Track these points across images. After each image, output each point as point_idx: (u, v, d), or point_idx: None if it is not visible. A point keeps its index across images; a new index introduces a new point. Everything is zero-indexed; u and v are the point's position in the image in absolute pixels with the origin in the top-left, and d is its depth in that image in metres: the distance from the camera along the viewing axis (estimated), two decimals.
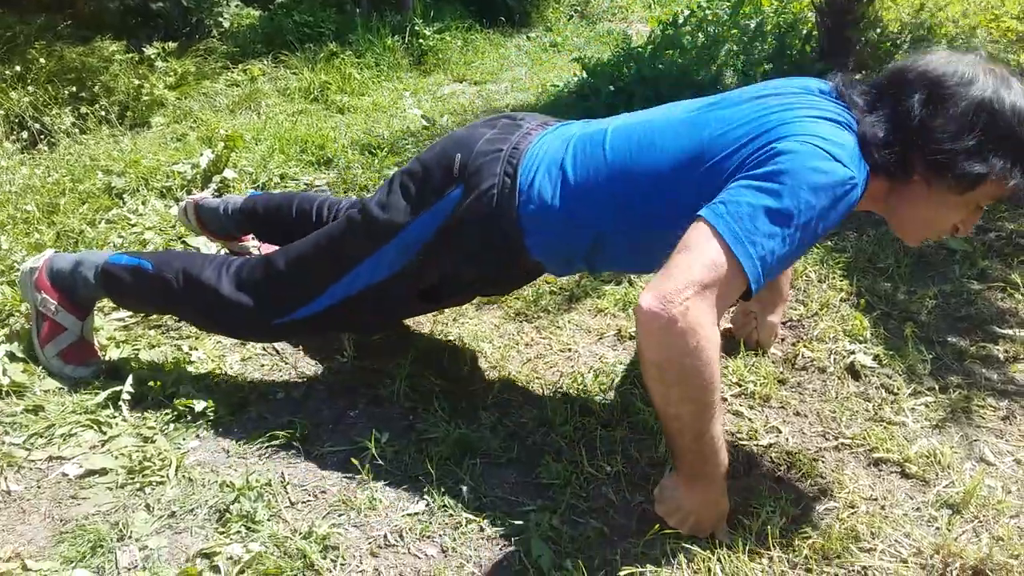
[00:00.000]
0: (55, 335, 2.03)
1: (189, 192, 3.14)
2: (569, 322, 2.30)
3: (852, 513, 1.57)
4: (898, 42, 4.25)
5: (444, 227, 1.71)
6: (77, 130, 3.80)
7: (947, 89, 1.41)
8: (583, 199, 1.62)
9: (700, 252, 1.33)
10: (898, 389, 1.96)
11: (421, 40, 5.71)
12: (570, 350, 2.17)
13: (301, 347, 2.19)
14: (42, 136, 3.69)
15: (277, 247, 2.56)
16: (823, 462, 1.73)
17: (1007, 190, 1.43)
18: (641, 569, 1.44)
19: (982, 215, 1.59)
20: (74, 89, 3.96)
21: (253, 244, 2.60)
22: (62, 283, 2.02)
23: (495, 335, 2.23)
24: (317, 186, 3.35)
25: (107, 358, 2.10)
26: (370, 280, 1.79)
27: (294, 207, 2.30)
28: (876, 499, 1.62)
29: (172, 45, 4.83)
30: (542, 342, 2.20)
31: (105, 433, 1.83)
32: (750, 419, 1.87)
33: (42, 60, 3.95)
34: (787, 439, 1.81)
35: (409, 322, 2.29)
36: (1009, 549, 1.47)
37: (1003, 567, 1.43)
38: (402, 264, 1.76)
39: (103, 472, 1.72)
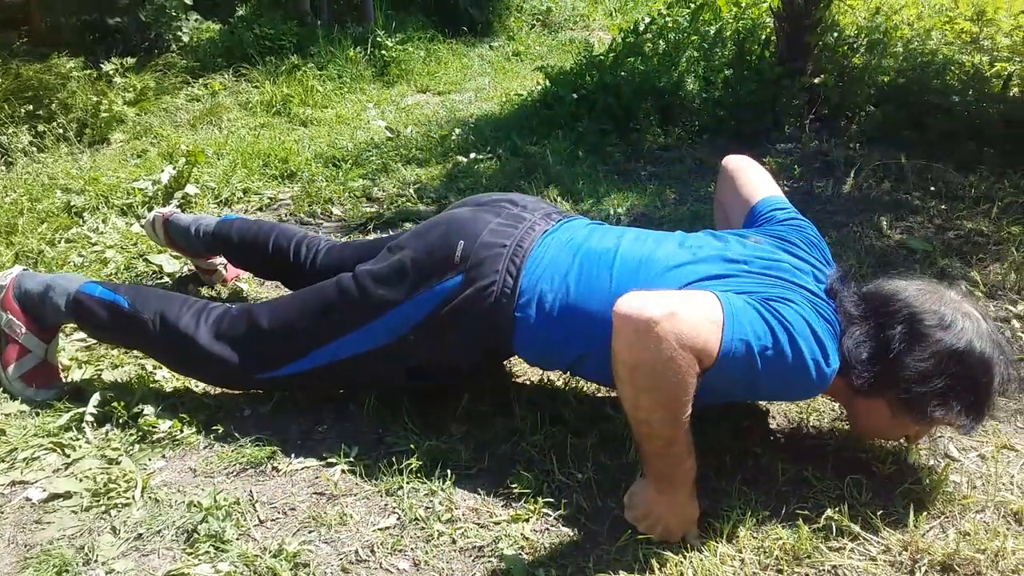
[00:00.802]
0: (19, 357, 1.99)
1: (151, 209, 3.09)
2: None
3: (821, 512, 1.58)
4: (855, 45, 4.31)
5: (437, 312, 1.71)
6: (35, 148, 3.74)
7: (925, 328, 1.51)
8: (581, 318, 1.62)
9: (698, 295, 1.44)
10: None
11: (384, 51, 5.69)
12: None
13: None
14: None
15: (245, 270, 2.57)
16: (791, 463, 1.74)
17: (958, 425, 1.54)
18: (614, 574, 1.44)
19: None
20: (31, 107, 3.89)
21: (220, 262, 2.57)
22: (30, 306, 1.98)
23: None
24: (281, 200, 3.33)
25: (70, 379, 2.06)
26: (355, 351, 1.79)
27: (271, 242, 2.27)
28: (844, 498, 1.63)
29: (131, 60, 4.76)
30: None
31: (69, 456, 1.80)
32: (718, 420, 1.88)
33: (0, 79, 3.89)
34: (755, 441, 1.82)
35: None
36: (976, 544, 1.49)
37: (970, 561, 1.45)
38: (390, 340, 1.76)
39: (67, 496, 1.69)
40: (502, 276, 1.67)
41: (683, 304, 1.36)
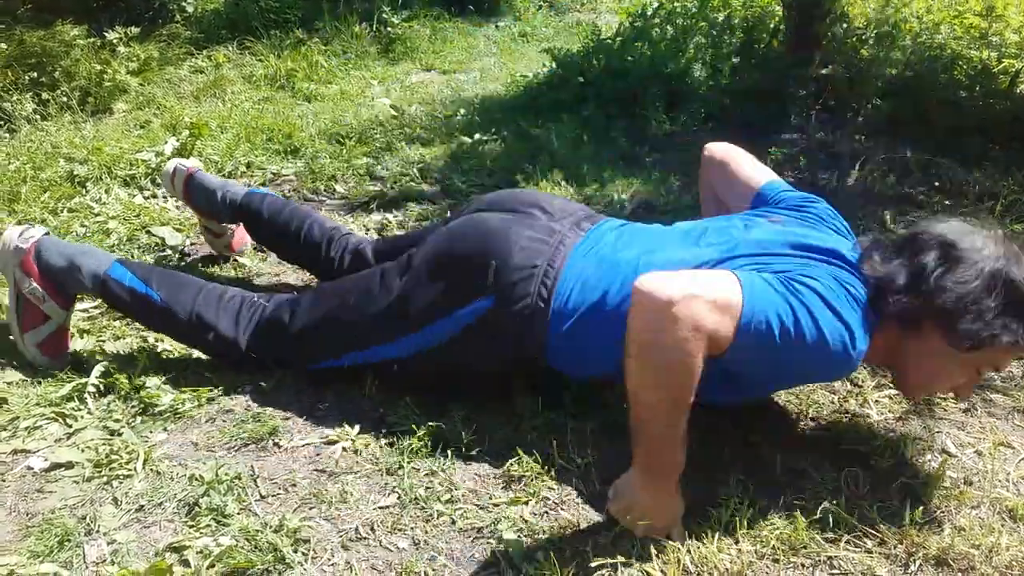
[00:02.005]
0: (37, 324, 1.98)
1: (154, 181, 3.09)
2: None
3: (818, 504, 1.59)
4: (864, 37, 4.30)
5: (468, 329, 1.75)
6: (38, 116, 3.72)
7: (960, 251, 1.51)
8: (612, 328, 1.57)
9: (717, 275, 1.45)
10: (863, 382, 2.00)
11: (389, 28, 5.66)
12: None
13: None
14: (1, 123, 3.61)
15: (267, 247, 2.57)
16: (790, 455, 1.75)
17: (1010, 356, 1.54)
18: (612, 560, 1.44)
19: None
20: (35, 75, 3.87)
21: (230, 227, 2.55)
22: (53, 277, 1.98)
23: None
24: (284, 175, 3.32)
25: (72, 349, 2.06)
26: (389, 356, 1.85)
27: (303, 234, 2.28)
28: (841, 490, 1.65)
29: (135, 30, 4.73)
30: None
31: (71, 426, 1.81)
32: (719, 412, 1.89)
33: (3, 45, 3.86)
34: (755, 432, 1.83)
35: None
36: (971, 539, 1.50)
37: (965, 556, 1.46)
38: (425, 350, 1.80)
39: (69, 466, 1.70)
40: (534, 299, 1.70)
41: (703, 285, 1.37)
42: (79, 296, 2.11)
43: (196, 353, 2.08)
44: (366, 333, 1.85)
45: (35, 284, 1.96)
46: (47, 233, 2.05)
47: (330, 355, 1.90)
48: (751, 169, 1.96)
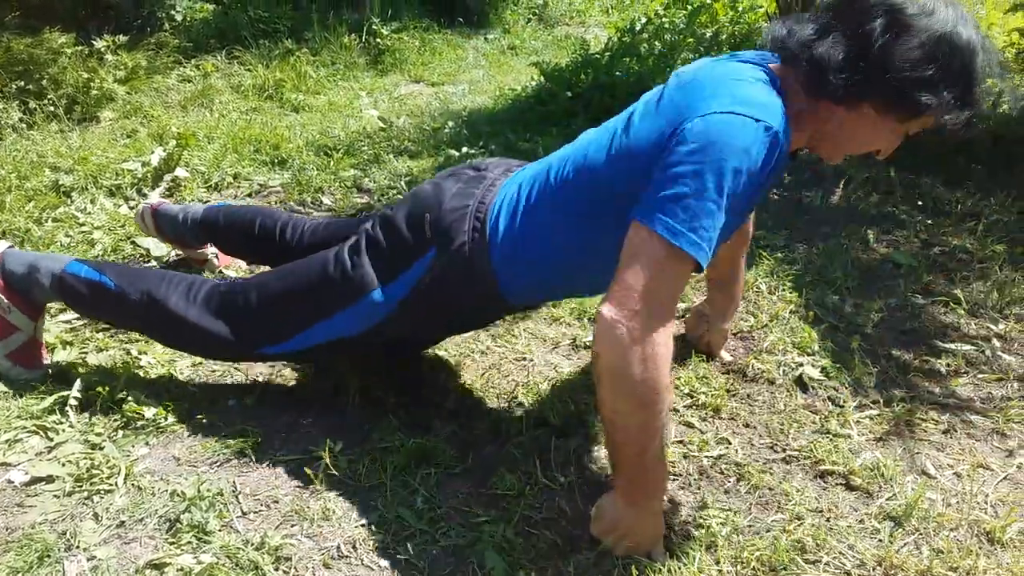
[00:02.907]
0: (6, 335, 1.98)
1: (140, 191, 3.09)
2: (524, 331, 2.31)
3: (798, 525, 1.60)
4: None
5: (420, 287, 1.72)
6: (24, 125, 3.71)
7: (908, 17, 1.41)
8: (541, 227, 1.64)
9: (645, 255, 1.36)
10: (844, 402, 2.01)
11: (378, 39, 5.68)
12: (525, 359, 2.18)
13: None
14: None
15: (237, 258, 2.57)
16: (771, 474, 1.76)
17: (941, 123, 1.44)
18: None
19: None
20: (22, 83, 3.85)
21: (212, 251, 2.56)
22: (16, 284, 1.97)
23: (450, 343, 2.23)
24: (271, 187, 3.32)
25: (54, 361, 2.05)
26: (344, 332, 1.80)
27: (256, 224, 2.27)
28: (822, 511, 1.66)
29: (123, 38, 4.71)
30: (497, 351, 2.21)
31: (51, 439, 1.80)
32: (700, 430, 1.90)
33: None
34: (736, 450, 1.84)
35: None
36: (949, 561, 1.51)
37: None
38: (377, 319, 1.77)
39: (50, 479, 1.69)
40: (469, 234, 1.69)
41: (648, 283, 1.34)
42: (48, 305, 2.10)
43: (179, 366, 2.08)
44: (319, 305, 1.81)
45: (1, 297, 1.96)
46: (11, 246, 2.06)
47: (283, 332, 1.84)
48: None
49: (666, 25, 4.69)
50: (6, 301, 1.96)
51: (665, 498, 1.61)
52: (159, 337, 2.01)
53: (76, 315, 2.24)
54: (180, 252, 2.62)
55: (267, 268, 2.51)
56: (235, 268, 2.60)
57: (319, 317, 1.80)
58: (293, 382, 2.05)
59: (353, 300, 1.77)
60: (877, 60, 1.41)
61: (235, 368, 2.09)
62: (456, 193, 1.75)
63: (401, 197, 1.92)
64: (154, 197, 2.55)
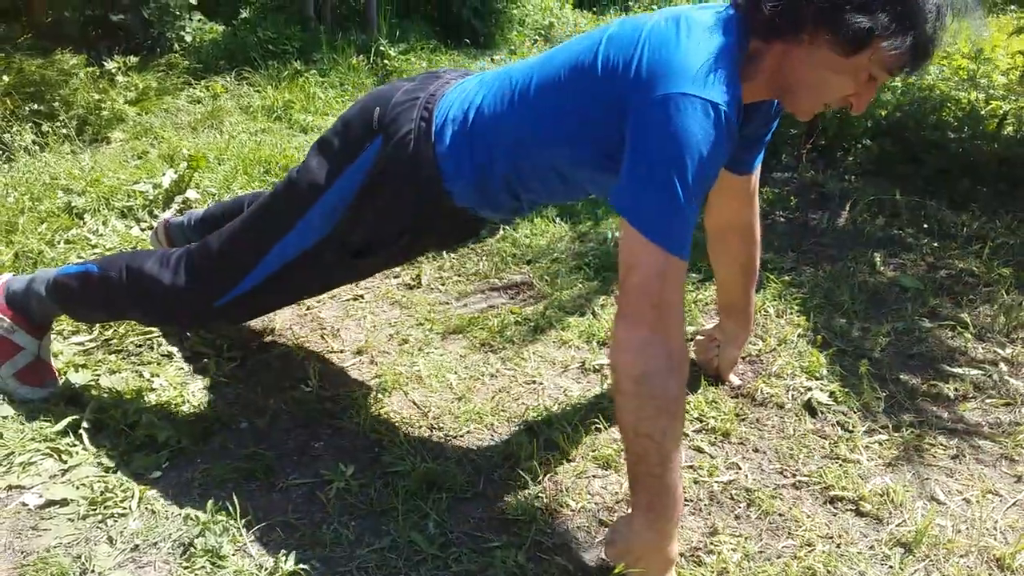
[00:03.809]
0: (11, 355, 2.00)
1: (151, 213, 3.11)
2: (534, 354, 2.32)
3: (809, 551, 1.61)
4: None
5: (367, 182, 1.72)
6: (37, 147, 3.74)
7: None
8: (492, 127, 1.65)
9: (642, 264, 1.39)
10: (853, 427, 2.02)
11: (386, 60, 5.73)
12: (535, 382, 2.19)
13: (264, 376, 2.18)
14: (0, 152, 3.63)
15: None
16: (781, 499, 1.77)
17: (887, 50, 1.39)
18: None
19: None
20: (34, 105, 3.89)
21: None
22: (17, 303, 2.01)
23: (460, 366, 2.24)
24: None
25: (67, 383, 2.07)
26: (301, 246, 1.79)
27: (246, 204, 2.28)
28: (832, 537, 1.66)
29: (133, 59, 4.78)
30: (507, 374, 2.23)
31: (65, 462, 1.81)
32: (710, 455, 1.91)
33: (5, 78, 3.88)
34: (746, 476, 1.85)
35: (374, 351, 2.30)
36: None
37: None
38: (331, 225, 1.76)
39: (64, 503, 1.70)
40: (416, 123, 1.69)
41: (651, 290, 1.37)
42: (54, 324, 2.13)
43: (191, 388, 2.10)
44: (274, 225, 1.81)
45: (2, 316, 2.00)
46: (13, 275, 2.12)
47: (247, 266, 1.82)
48: None
49: None
50: (9, 321, 1.99)
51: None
52: (141, 311, 2.02)
53: (88, 336, 2.26)
54: None
55: None
56: None
57: (273, 238, 1.80)
58: (304, 405, 2.06)
59: (301, 207, 1.77)
60: None
61: (247, 391, 2.11)
62: (408, 88, 1.77)
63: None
64: (172, 210, 2.59)
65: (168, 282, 1.88)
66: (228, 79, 5.25)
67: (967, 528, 1.71)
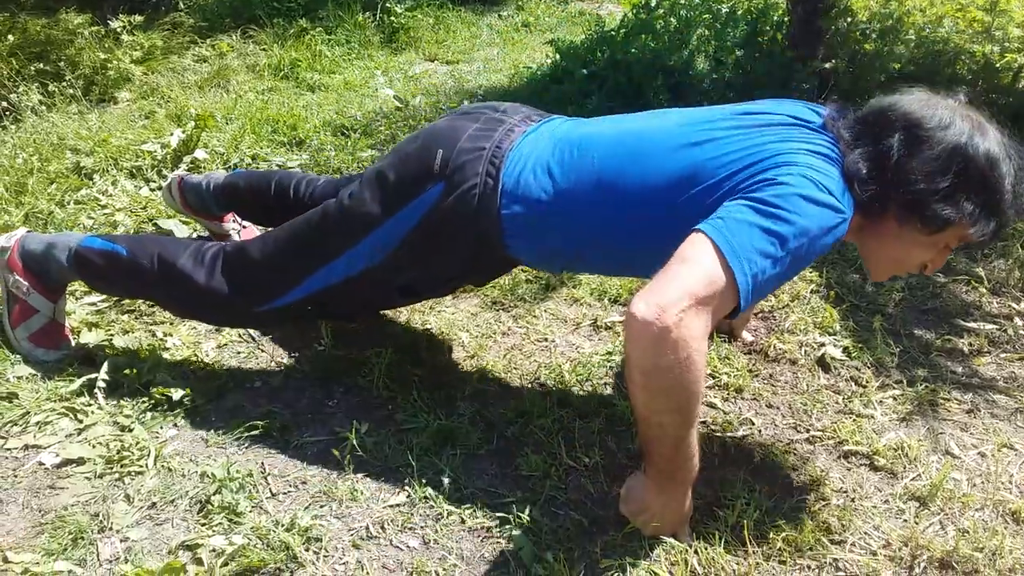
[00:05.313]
0: (26, 317, 2.00)
1: (160, 173, 3.10)
2: (545, 311, 2.31)
3: (823, 505, 1.61)
4: (867, 31, 4.30)
5: (423, 224, 1.71)
6: (44, 107, 3.72)
7: (925, 131, 1.46)
8: (568, 206, 1.62)
9: (698, 263, 1.33)
10: (867, 382, 2.01)
11: (392, 17, 5.65)
12: (547, 340, 2.19)
13: (278, 334, 2.18)
14: (7, 113, 3.61)
15: (258, 226, 2.59)
16: (795, 455, 1.77)
17: (973, 234, 1.49)
18: (620, 561, 1.46)
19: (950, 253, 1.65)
20: (40, 64, 3.86)
21: (233, 227, 2.57)
22: (34, 265, 1.99)
23: (472, 324, 2.24)
24: (290, 168, 3.32)
25: (80, 343, 2.07)
26: (348, 273, 1.79)
27: (273, 185, 2.29)
28: (846, 491, 1.67)
29: (138, 18, 4.72)
30: (519, 332, 2.22)
31: (81, 421, 1.82)
32: (724, 411, 1.91)
33: (11, 37, 3.84)
34: (760, 431, 1.85)
35: (386, 311, 2.29)
36: (974, 542, 1.52)
37: (968, 560, 1.48)
38: (380, 259, 1.76)
39: (80, 462, 1.71)
40: (483, 177, 1.67)
41: (691, 288, 1.30)
42: (68, 286, 2.12)
43: (204, 348, 2.10)
44: (323, 248, 1.80)
45: (18, 278, 1.98)
46: (29, 231, 2.08)
47: (289, 281, 1.83)
48: None
49: (681, 1, 4.65)
50: (25, 283, 1.98)
51: None
52: (171, 303, 2.03)
53: (100, 296, 2.26)
54: (204, 228, 2.62)
55: None
56: None
57: (321, 261, 1.80)
58: (317, 363, 2.06)
59: (353, 237, 1.77)
60: (894, 175, 1.46)
61: (260, 349, 2.11)
62: (472, 134, 1.73)
63: (407, 136, 1.90)
64: (182, 170, 2.56)
65: (203, 282, 1.88)
66: (234, 38, 5.19)
67: (982, 482, 1.71)
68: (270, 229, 1.97)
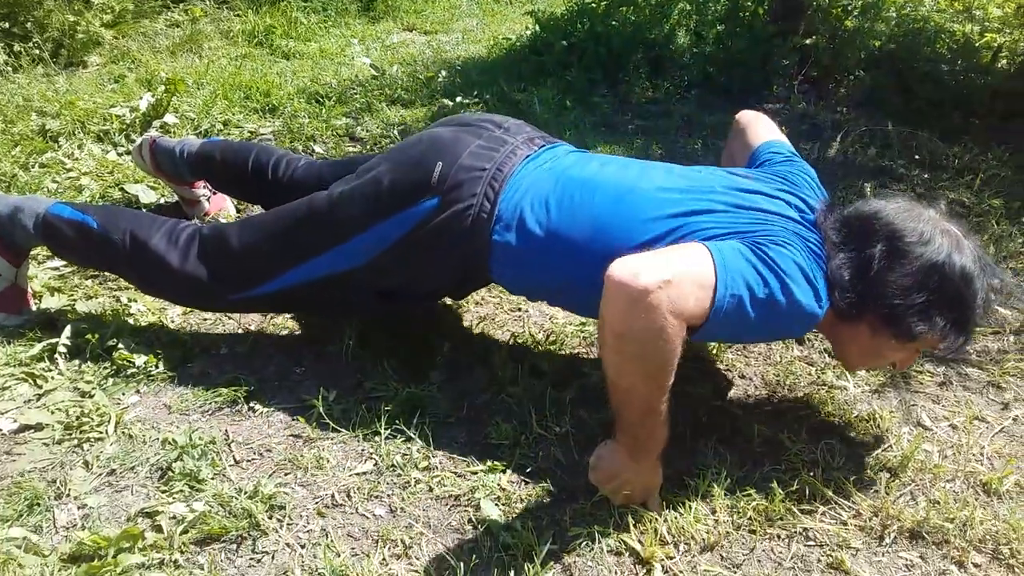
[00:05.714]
0: None
1: (128, 137, 3.03)
2: None
3: (794, 476, 1.60)
4: (848, 7, 4.27)
5: (412, 234, 1.68)
6: (9, 68, 3.63)
7: (906, 244, 1.49)
8: (558, 245, 1.60)
9: (689, 255, 1.40)
10: None
11: None
12: (520, 309, 2.16)
13: None
14: None
15: (228, 196, 2.54)
16: (767, 425, 1.76)
17: (943, 349, 1.55)
18: (589, 529, 1.45)
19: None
20: (6, 25, 3.76)
21: (203, 193, 2.51)
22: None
23: None
24: (262, 134, 3.26)
25: (42, 308, 2.02)
26: (330, 271, 1.76)
27: (250, 160, 2.23)
28: (817, 462, 1.65)
29: None
30: (492, 301, 2.19)
31: (40, 387, 1.77)
32: (698, 382, 1.89)
33: None
34: (732, 402, 1.84)
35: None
36: (945, 512, 1.52)
37: (939, 530, 1.48)
38: (364, 261, 1.73)
39: (39, 427, 1.67)
40: (480, 200, 1.65)
41: (676, 268, 1.33)
42: (35, 252, 2.06)
43: (169, 314, 2.05)
44: (306, 243, 1.77)
45: None
46: None
47: (267, 272, 1.80)
48: (758, 133, 1.95)
49: None
50: None
51: None
52: (140, 281, 1.98)
53: (64, 263, 2.20)
54: (172, 192, 2.56)
55: (257, 210, 2.49)
56: (225, 215, 2.55)
57: (304, 256, 1.77)
58: (285, 331, 2.03)
59: (340, 236, 1.74)
60: (873, 284, 1.49)
61: (228, 316, 2.07)
62: (474, 151, 1.70)
63: (407, 139, 1.86)
64: (152, 133, 2.49)
65: (176, 265, 1.83)
66: (207, 3, 5.08)
67: (953, 453, 1.70)
68: (250, 212, 1.91)
